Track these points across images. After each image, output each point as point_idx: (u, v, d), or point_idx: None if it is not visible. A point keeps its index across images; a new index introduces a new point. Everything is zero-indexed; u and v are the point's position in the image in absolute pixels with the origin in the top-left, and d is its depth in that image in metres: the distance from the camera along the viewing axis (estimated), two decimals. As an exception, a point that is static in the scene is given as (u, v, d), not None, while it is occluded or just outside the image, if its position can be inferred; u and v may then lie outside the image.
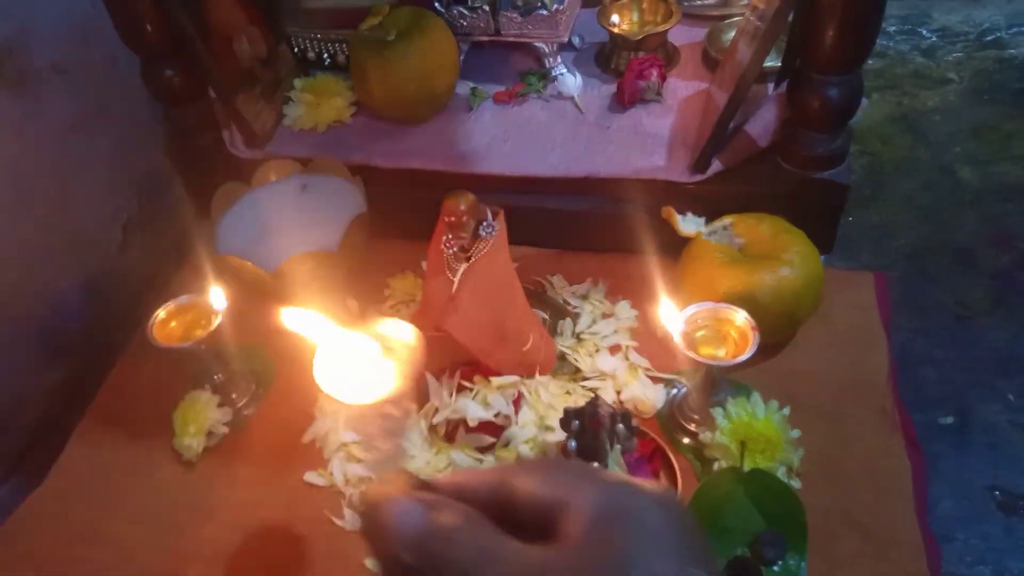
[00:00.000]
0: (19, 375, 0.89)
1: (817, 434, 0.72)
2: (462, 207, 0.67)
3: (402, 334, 0.47)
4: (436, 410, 0.75)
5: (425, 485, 0.34)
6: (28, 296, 0.89)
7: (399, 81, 0.93)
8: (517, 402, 0.75)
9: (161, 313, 0.76)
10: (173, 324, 0.77)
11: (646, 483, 0.32)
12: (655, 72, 0.96)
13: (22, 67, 0.87)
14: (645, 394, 0.77)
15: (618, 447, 0.64)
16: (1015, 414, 1.28)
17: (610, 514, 0.29)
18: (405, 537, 0.30)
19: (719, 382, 0.72)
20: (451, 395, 0.75)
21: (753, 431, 0.68)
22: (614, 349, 0.81)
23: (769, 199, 0.85)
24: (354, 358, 0.45)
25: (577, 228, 0.93)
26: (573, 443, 0.64)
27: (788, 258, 0.75)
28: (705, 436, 0.71)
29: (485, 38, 1.02)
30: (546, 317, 0.83)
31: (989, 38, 2.02)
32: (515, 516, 0.31)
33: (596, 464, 0.64)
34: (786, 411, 0.70)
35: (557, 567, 0.28)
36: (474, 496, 0.32)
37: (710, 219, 0.81)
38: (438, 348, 0.74)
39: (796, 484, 0.69)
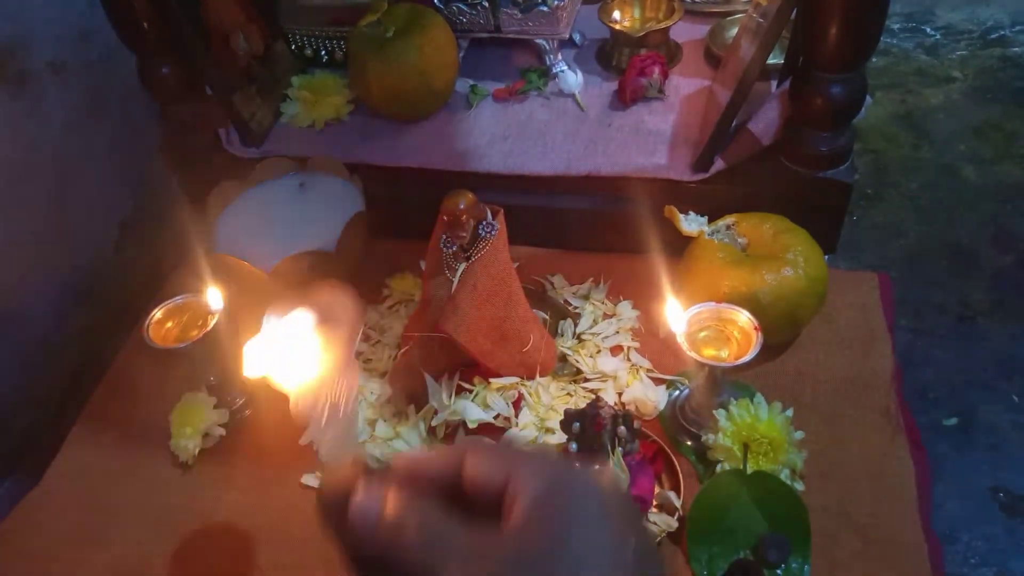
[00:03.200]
0: (15, 375, 0.88)
1: (820, 436, 0.72)
2: (461, 206, 0.66)
3: (338, 299, 0.42)
4: (435, 412, 0.74)
5: (378, 471, 0.35)
6: (23, 295, 0.89)
7: (398, 78, 0.92)
8: (517, 404, 0.74)
9: (157, 313, 0.76)
10: (169, 324, 0.76)
11: (587, 465, 0.32)
12: (657, 69, 0.95)
13: (20, 66, 0.86)
14: (647, 395, 0.76)
15: (619, 449, 0.64)
16: (1018, 415, 1.27)
17: (549, 498, 0.31)
18: (361, 537, 0.33)
19: (722, 383, 0.71)
20: (450, 397, 0.74)
21: (756, 433, 0.68)
22: (615, 350, 0.81)
23: (772, 198, 0.84)
24: (289, 337, 0.41)
25: (578, 227, 0.92)
26: (574, 445, 0.64)
27: (791, 258, 0.74)
28: (708, 438, 0.70)
29: (485, 35, 1.01)
30: (546, 317, 0.82)
31: (993, 36, 2.01)
32: (468, 497, 0.33)
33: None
34: (789, 413, 0.70)
35: (497, 553, 0.30)
36: (428, 478, 0.34)
37: (712, 218, 0.81)
38: (438, 349, 0.74)
39: (799, 486, 0.69)
